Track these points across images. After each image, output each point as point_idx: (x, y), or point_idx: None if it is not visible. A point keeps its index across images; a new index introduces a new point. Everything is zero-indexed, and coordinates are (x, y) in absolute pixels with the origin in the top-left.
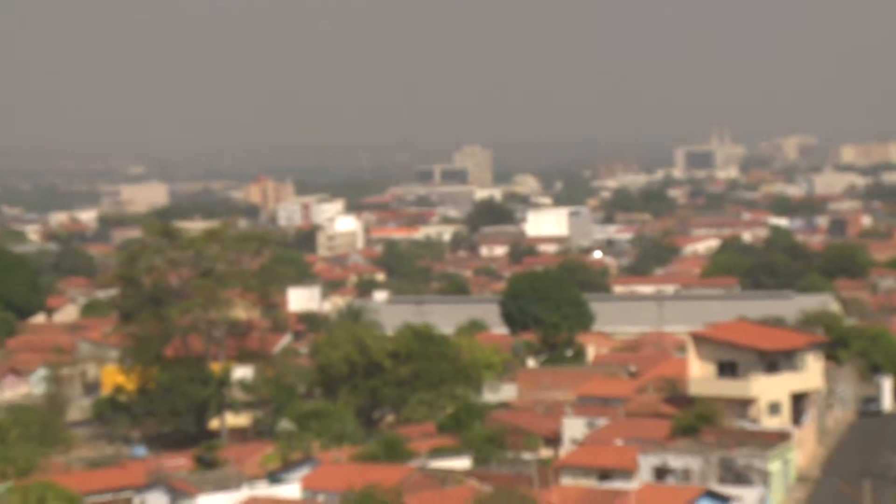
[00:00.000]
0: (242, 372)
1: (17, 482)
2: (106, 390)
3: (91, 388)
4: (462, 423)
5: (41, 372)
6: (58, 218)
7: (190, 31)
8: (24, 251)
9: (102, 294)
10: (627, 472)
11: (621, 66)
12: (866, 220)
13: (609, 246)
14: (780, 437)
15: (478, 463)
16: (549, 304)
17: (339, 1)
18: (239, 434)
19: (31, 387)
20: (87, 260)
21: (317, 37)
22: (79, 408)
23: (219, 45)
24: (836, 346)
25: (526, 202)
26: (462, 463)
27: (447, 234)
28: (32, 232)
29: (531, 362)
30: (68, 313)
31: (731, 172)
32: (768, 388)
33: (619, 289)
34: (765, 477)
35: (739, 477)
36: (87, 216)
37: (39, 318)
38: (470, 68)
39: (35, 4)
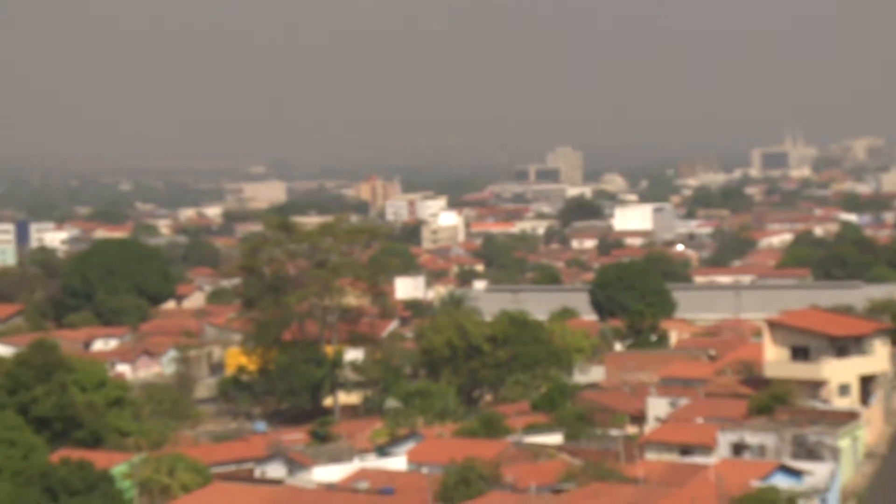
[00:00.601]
0: (353, 354)
1: (150, 454)
2: (230, 370)
3: (216, 368)
4: (554, 402)
5: (171, 353)
6: (186, 213)
7: (303, 39)
8: (157, 243)
9: (227, 283)
10: (707, 448)
11: (702, 72)
12: None
13: (690, 239)
14: (850, 417)
15: (569, 439)
16: (635, 292)
17: (445, 7)
18: (350, 411)
19: (162, 367)
20: (212, 252)
21: (423, 45)
22: (205, 386)
23: (333, 52)
24: None
25: (614, 199)
26: (554, 439)
27: (541, 228)
28: (164, 226)
29: (618, 346)
30: (196, 300)
31: (804, 172)
32: (838, 371)
33: (699, 279)
34: (835, 453)
35: (811, 453)
36: (213, 212)
37: (170, 305)
38: (562, 76)
39: (162, 14)
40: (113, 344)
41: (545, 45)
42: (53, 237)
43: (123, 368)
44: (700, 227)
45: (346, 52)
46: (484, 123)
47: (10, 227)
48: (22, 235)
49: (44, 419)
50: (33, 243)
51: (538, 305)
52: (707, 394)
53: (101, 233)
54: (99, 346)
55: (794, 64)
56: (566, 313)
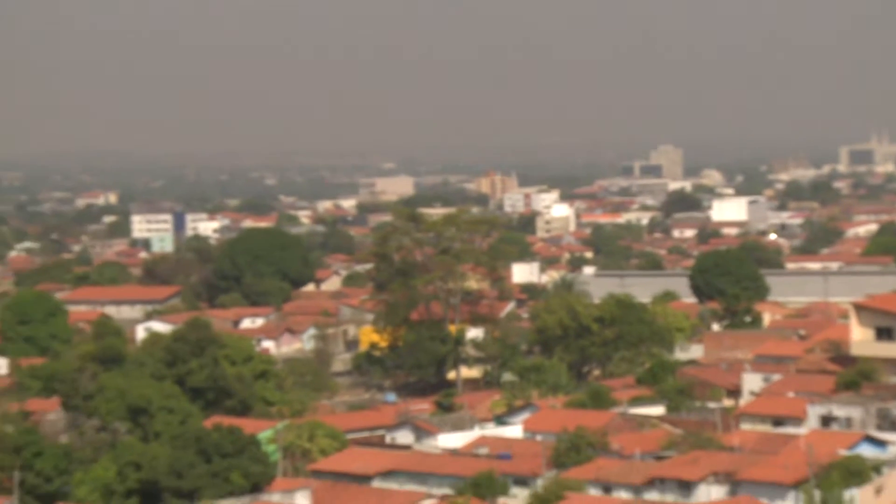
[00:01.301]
0: (474, 332)
1: (292, 421)
2: (363, 347)
3: (351, 344)
4: (657, 377)
5: (311, 331)
6: (325, 205)
7: (436, 53)
8: (298, 232)
9: (360, 268)
10: (798, 420)
11: (793, 74)
12: None
13: (782, 229)
14: None
15: (670, 410)
16: (731, 277)
17: (566, 10)
18: (471, 384)
19: (303, 343)
20: (348, 239)
21: (539, 51)
22: (341, 361)
23: (454, 61)
24: None
25: (711, 192)
26: (657, 410)
27: (645, 219)
28: (304, 216)
29: (715, 327)
30: (333, 283)
31: (889, 167)
32: None
33: (790, 265)
34: None
35: (895, 424)
36: (348, 203)
37: (309, 287)
38: (664, 79)
39: (304, 33)
40: (259, 322)
41: (649, 49)
42: (206, 226)
43: (268, 344)
44: (791, 218)
45: (467, 61)
46: (593, 124)
47: (168, 217)
48: (179, 225)
49: (198, 389)
50: (189, 232)
51: (642, 289)
52: (798, 370)
53: (248, 222)
54: (247, 324)
55: (880, 65)
56: (668, 296)
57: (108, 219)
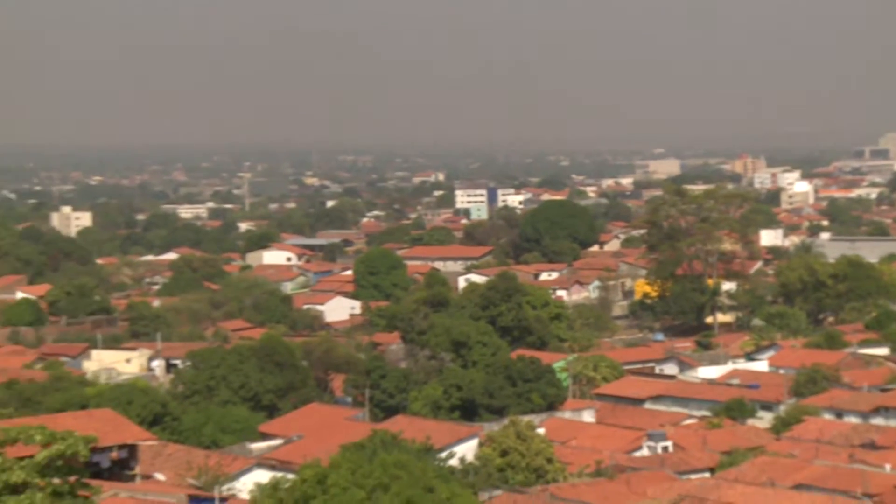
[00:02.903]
0: (728, 286)
1: (580, 355)
2: (637, 296)
3: (628, 294)
4: (882, 324)
5: (596, 283)
6: (607, 182)
7: (703, 50)
8: (586, 204)
9: (636, 233)
10: None
11: None
12: None
13: None
14: None
15: (894, 351)
16: None
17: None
18: (725, 327)
19: (589, 292)
20: (625, 210)
21: (799, 54)
22: (619, 307)
23: (715, 58)
24: None
25: None
26: (882, 351)
27: (874, 194)
28: (591, 191)
29: None
30: (613, 245)
31: None
32: None
33: None
34: None
35: None
36: (626, 181)
37: (595, 248)
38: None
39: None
40: (554, 275)
41: (883, 50)
42: (513, 199)
43: (562, 293)
44: None
45: (724, 64)
46: (830, 114)
47: (483, 191)
48: (491, 198)
49: (506, 328)
50: (499, 203)
51: (870, 252)
52: None
53: (546, 196)
54: (544, 276)
55: None
56: (892, 258)
57: (438, 193)
